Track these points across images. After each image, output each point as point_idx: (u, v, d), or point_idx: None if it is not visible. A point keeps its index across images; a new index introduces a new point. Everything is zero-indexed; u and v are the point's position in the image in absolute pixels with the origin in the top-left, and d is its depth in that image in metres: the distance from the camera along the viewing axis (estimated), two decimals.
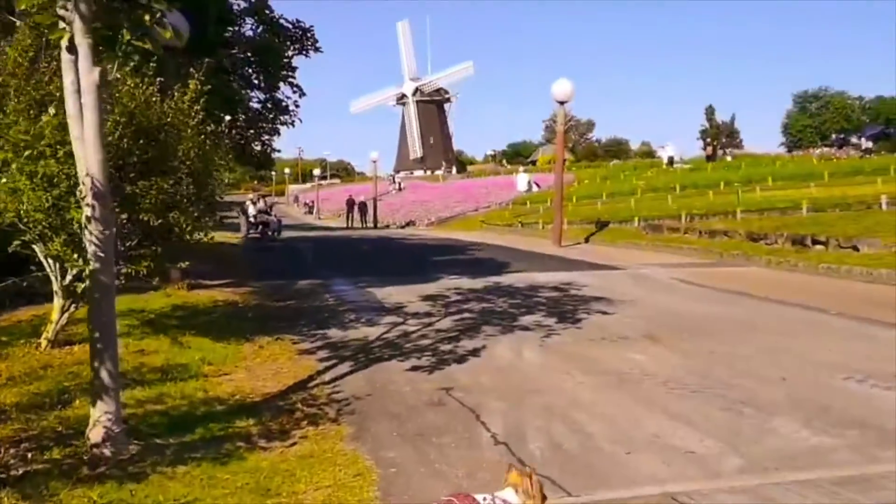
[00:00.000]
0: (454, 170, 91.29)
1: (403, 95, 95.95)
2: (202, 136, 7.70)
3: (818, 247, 16.78)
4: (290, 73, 14.11)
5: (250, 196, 30.83)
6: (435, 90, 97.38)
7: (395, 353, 8.19)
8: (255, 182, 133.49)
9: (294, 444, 5.18)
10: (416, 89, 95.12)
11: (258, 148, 20.44)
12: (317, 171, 70.40)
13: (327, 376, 7.15)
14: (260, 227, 28.50)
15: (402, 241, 28.37)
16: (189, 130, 7.52)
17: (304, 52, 13.88)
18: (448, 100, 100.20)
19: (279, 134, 17.29)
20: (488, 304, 11.49)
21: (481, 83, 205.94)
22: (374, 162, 52.82)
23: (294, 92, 15.03)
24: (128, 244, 7.41)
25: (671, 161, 51.96)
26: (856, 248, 15.77)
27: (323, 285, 13.92)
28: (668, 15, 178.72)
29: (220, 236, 29.06)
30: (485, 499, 3.37)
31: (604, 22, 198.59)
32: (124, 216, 7.04)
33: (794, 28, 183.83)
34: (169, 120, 7.43)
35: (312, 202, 70.09)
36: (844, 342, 8.43)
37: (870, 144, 59.65)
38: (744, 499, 4.24)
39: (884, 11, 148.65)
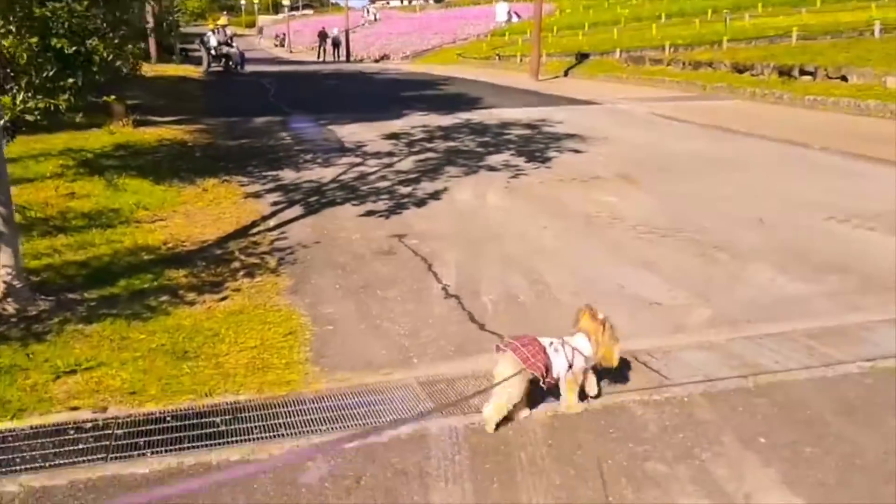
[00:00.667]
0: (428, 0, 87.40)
1: None
2: None
3: (806, 77, 16.02)
4: None
5: (210, 26, 28.98)
6: None
7: (349, 196, 7.63)
8: (224, 12, 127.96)
9: (225, 297, 4.71)
10: None
11: None
12: (286, 1, 66.55)
13: (273, 222, 6.61)
14: (222, 59, 26.96)
15: (372, 76, 27.08)
16: None
17: None
18: None
19: None
20: (455, 142, 10.83)
21: None
22: None
23: None
24: (44, 75, 6.58)
25: None
26: (844, 79, 15.04)
27: (282, 122, 13.11)
28: None
29: (181, 70, 27.93)
30: (552, 343, 3.18)
31: None
32: (34, 40, 6.16)
33: None
34: None
35: (283, 35, 67.04)
36: (828, 179, 7.95)
37: None
38: (711, 356, 3.84)
39: None
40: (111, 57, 6.69)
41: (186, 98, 17.26)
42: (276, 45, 68.49)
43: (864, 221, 6.20)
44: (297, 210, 7.04)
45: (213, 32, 27.33)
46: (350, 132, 11.78)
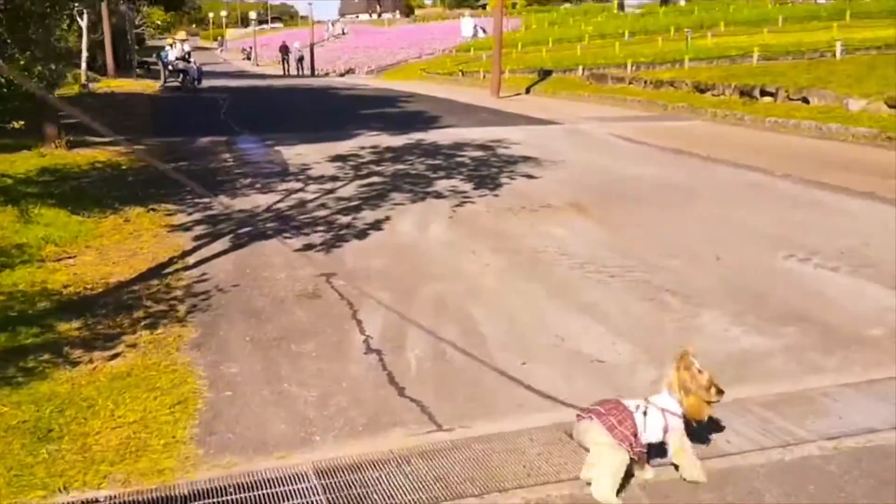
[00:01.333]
0: (399, 14, 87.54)
1: None
2: None
3: (767, 98, 15.83)
4: None
5: (168, 41, 28.31)
6: None
7: (283, 227, 7.12)
8: (192, 26, 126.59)
9: (116, 355, 4.17)
10: None
11: None
12: (253, 15, 65.91)
13: (193, 259, 6.08)
14: (179, 74, 26.27)
15: (331, 92, 26.53)
16: None
17: None
18: None
19: None
20: (404, 165, 10.37)
21: None
22: (310, 4, 49.40)
23: None
24: None
25: (621, 5, 49.77)
26: (806, 101, 14.84)
27: (227, 142, 12.56)
28: None
29: (138, 85, 27.21)
30: (638, 407, 2.86)
31: None
32: None
33: None
34: None
35: (250, 48, 66.37)
36: (789, 210, 7.59)
37: None
38: None
39: None
40: (16, 80, 6.19)
41: (133, 115, 16.60)
42: (244, 59, 67.91)
43: (826, 260, 5.82)
44: (222, 244, 6.50)
45: (171, 47, 26.68)
46: (296, 153, 11.26)
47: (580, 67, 23.96)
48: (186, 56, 26.27)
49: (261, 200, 8.20)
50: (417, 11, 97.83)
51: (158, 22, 63.71)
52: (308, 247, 6.42)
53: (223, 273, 5.72)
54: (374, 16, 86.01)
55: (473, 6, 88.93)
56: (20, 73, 6.03)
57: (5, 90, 6.12)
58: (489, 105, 19.21)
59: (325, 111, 19.00)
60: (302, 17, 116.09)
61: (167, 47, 27.62)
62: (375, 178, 9.40)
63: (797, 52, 18.84)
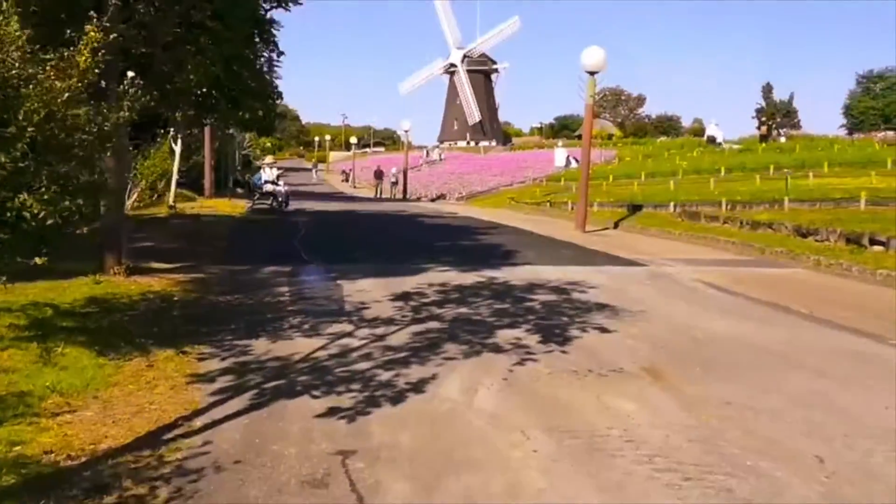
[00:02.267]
0: (497, 142, 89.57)
1: (452, 65, 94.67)
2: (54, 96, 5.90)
3: (877, 247, 14.49)
4: (265, 29, 12.19)
5: (266, 161, 29.24)
6: (482, 59, 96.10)
7: (315, 382, 6.37)
8: (301, 148, 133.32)
9: None
10: (464, 56, 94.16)
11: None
12: (353, 140, 68.61)
13: (201, 421, 5.38)
14: (269, 197, 26.88)
15: (415, 218, 26.29)
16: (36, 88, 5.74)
17: (281, 5, 11.95)
18: (496, 70, 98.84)
19: (279, 97, 15.37)
20: (468, 308, 9.61)
21: (530, 55, 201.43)
22: (406, 132, 50.71)
23: (271, 51, 13.09)
24: None
25: (712, 140, 49.13)
26: None
27: (289, 273, 12.15)
28: None
29: (229, 206, 27.89)
30: None
31: None
32: None
33: (859, 2, 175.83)
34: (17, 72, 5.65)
35: (350, 170, 68.79)
36: None
37: None
38: None
39: None
40: (41, 214, 5.84)
41: (206, 240, 16.62)
42: (342, 180, 70.31)
43: None
44: (241, 402, 5.80)
45: (263, 170, 27.49)
46: (358, 289, 10.69)
47: (672, 203, 23.11)
48: (276, 179, 26.92)
49: (302, 346, 7.53)
50: (515, 140, 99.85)
51: (268, 144, 66.87)
52: (333, 411, 5.63)
53: (228, 443, 4.97)
54: (472, 143, 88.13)
55: (570, 136, 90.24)
56: (45, 206, 5.64)
57: (25, 224, 5.72)
58: (573, 240, 18.46)
59: (404, 240, 18.67)
60: (404, 143, 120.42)
61: (263, 168, 28.46)
62: (433, 324, 8.65)
63: None
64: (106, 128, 6.53)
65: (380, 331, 8.24)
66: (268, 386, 6.23)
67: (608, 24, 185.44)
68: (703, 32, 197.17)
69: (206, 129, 28.16)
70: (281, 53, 13.04)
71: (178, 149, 25.25)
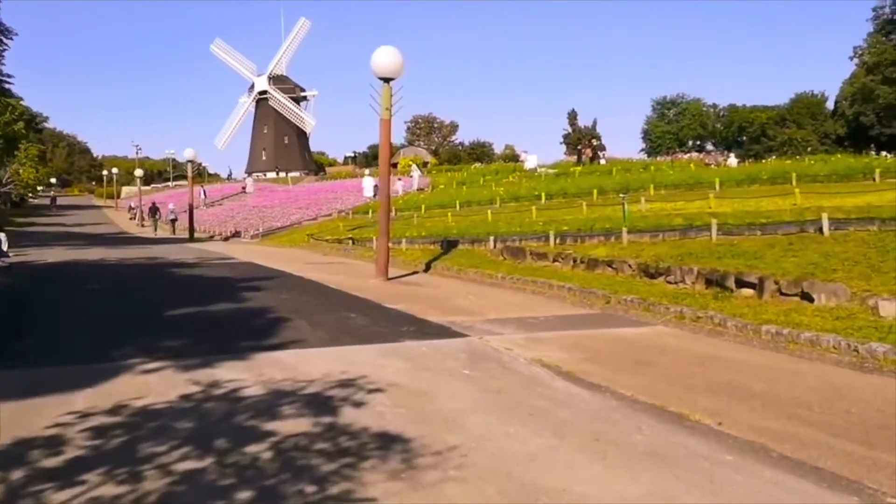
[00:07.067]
0: (309, 172, 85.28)
1: (263, 91, 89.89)
2: None
3: (746, 290, 11.41)
4: None
5: None
6: (291, 87, 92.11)
7: None
8: (93, 183, 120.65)
9: None
10: (269, 78, 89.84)
11: None
12: (138, 172, 61.06)
13: None
14: None
15: (170, 269, 20.54)
16: None
17: None
18: (304, 97, 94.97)
19: None
20: (125, 475, 4.97)
21: (343, 82, 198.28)
22: (190, 162, 44.56)
23: None
24: None
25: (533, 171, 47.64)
26: (808, 297, 10.43)
27: None
28: (534, 15, 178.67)
29: None
30: None
31: (466, 22, 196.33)
32: None
33: (654, 31, 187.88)
34: None
35: (136, 207, 61.40)
36: None
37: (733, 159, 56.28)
38: None
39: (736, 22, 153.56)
40: None
41: None
42: (130, 219, 63.00)
43: None
44: None
45: None
46: None
47: (492, 238, 19.56)
48: None
49: None
50: (329, 169, 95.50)
51: (26, 179, 58.02)
52: None
53: None
54: (283, 173, 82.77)
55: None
56: None
57: None
58: (369, 294, 14.10)
59: (136, 304, 13.32)
60: (210, 175, 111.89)
61: None
62: None
63: (761, 225, 14.77)
64: None
65: None
66: None
67: (422, 50, 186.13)
68: (511, 59, 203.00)
69: None
70: None
71: None
